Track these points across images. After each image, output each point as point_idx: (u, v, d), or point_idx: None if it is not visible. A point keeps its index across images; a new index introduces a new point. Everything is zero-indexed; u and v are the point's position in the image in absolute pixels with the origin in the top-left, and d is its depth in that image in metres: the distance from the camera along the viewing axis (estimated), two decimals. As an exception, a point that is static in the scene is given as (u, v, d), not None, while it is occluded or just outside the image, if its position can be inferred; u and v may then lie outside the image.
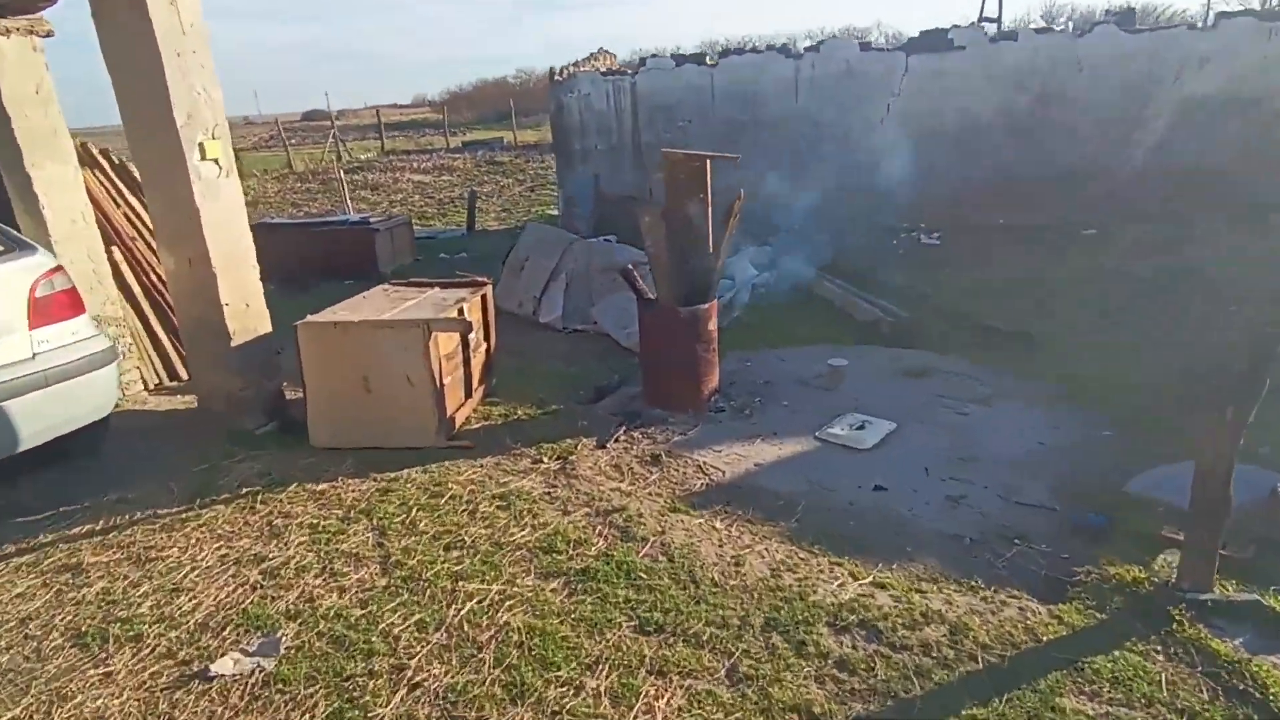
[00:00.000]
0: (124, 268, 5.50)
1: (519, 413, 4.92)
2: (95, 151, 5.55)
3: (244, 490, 3.85)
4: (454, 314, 4.64)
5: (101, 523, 3.57)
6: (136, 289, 5.61)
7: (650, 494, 3.77)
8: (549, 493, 3.75)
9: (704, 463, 4.12)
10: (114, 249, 5.42)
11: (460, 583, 2.94)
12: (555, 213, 14.65)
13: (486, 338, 5.43)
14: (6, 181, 4.82)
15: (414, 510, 3.56)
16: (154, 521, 3.56)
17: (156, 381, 5.68)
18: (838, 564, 3.08)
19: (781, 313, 7.17)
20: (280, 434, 4.66)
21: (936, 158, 9.60)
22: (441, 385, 4.41)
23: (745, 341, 6.15)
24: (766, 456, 4.18)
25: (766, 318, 7.04)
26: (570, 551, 3.15)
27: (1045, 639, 2.56)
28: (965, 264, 8.30)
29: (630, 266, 4.73)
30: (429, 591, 2.89)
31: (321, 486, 3.86)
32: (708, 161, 4.30)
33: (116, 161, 5.75)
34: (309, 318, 4.36)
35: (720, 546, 3.19)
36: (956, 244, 9.11)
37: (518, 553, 3.16)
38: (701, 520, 3.47)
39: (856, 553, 3.19)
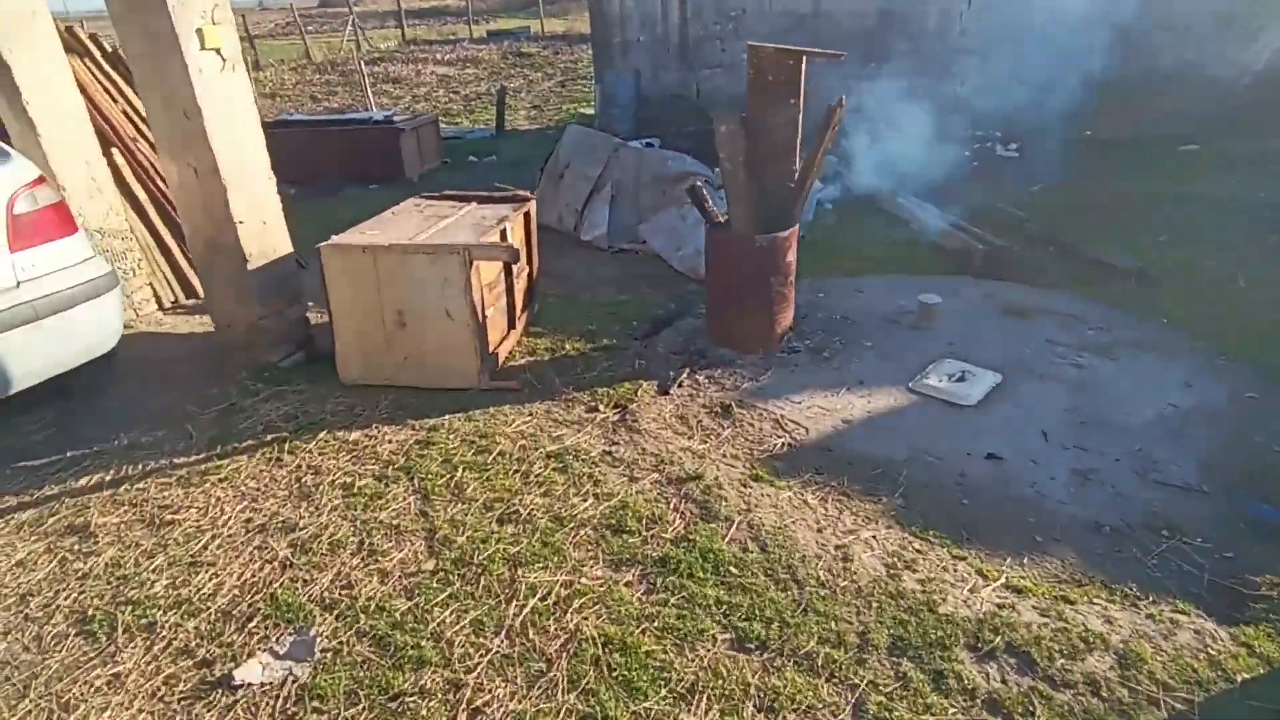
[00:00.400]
0: (126, 173, 4.94)
1: (567, 347, 4.41)
2: (83, 37, 4.87)
3: (269, 436, 3.43)
4: (496, 236, 4.06)
5: (112, 473, 3.18)
6: (142, 196, 5.07)
7: (725, 456, 3.30)
8: (610, 451, 3.28)
9: (782, 416, 3.62)
10: (114, 151, 4.84)
11: (519, 569, 2.52)
12: (590, 112, 13.65)
13: (529, 260, 4.86)
14: (-13, 72, 4.21)
15: (460, 469, 3.12)
16: (169, 473, 3.16)
17: (172, 300, 5.22)
18: (960, 558, 2.61)
19: (851, 233, 6.47)
20: (307, 365, 4.21)
21: (1019, 58, 8.53)
22: (484, 319, 3.90)
23: (814, 267, 5.51)
24: (854, 411, 3.66)
25: (835, 239, 6.35)
26: (643, 532, 2.70)
27: (1238, 677, 2.09)
28: (1050, 181, 7.44)
29: (699, 183, 4.08)
30: (483, 580, 2.47)
31: (354, 435, 3.43)
32: (803, 60, 3.56)
33: (109, 49, 5.07)
34: (334, 239, 3.81)
35: (819, 531, 2.73)
36: (1037, 157, 8.19)
37: (582, 531, 2.72)
38: (790, 493, 3.00)
39: (979, 542, 2.71)
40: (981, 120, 9.17)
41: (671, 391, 3.87)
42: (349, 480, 3.07)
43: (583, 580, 2.46)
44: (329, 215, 8.12)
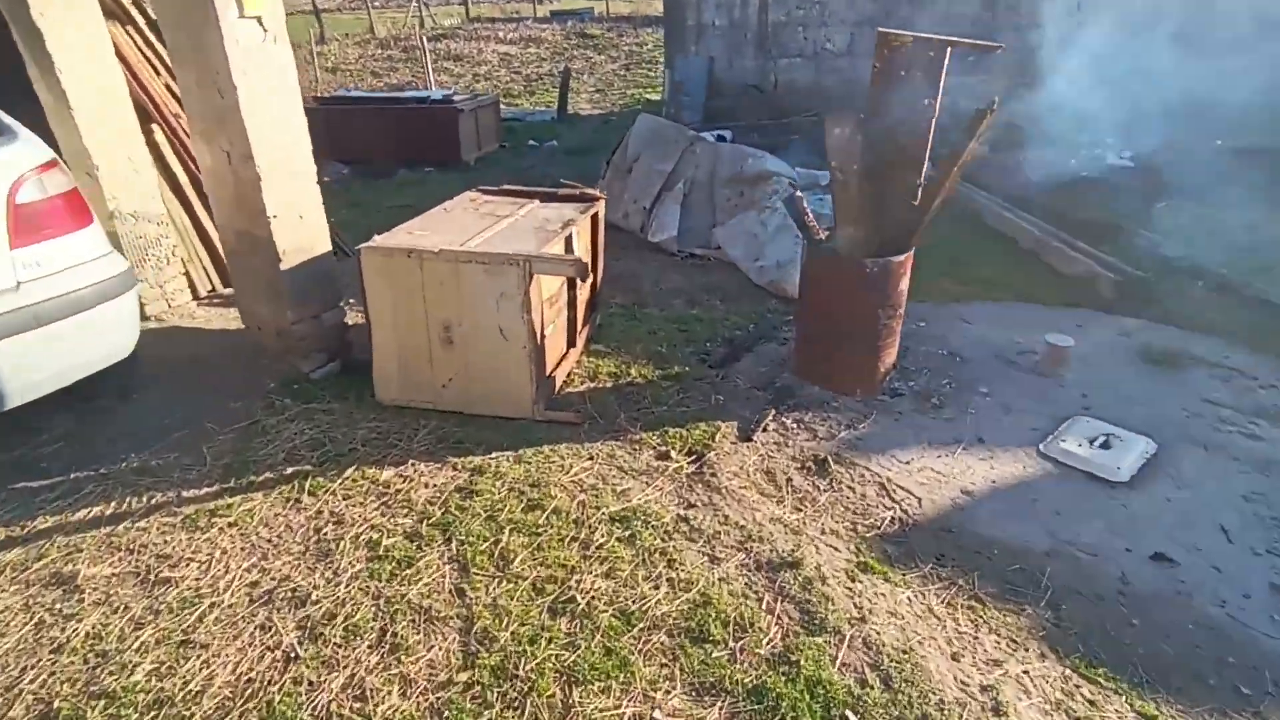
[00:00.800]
0: (166, 151, 4.56)
1: (632, 372, 3.88)
2: (125, 1, 4.49)
3: (289, 470, 2.98)
4: (561, 245, 3.54)
5: (113, 506, 2.77)
6: (183, 177, 4.69)
7: (825, 531, 2.72)
8: (686, 517, 2.74)
9: (888, 479, 3.02)
10: (154, 127, 4.46)
11: (575, 690, 2.00)
12: (656, 99, 13.03)
13: (594, 268, 4.33)
14: (19, 43, 3.84)
15: (506, 531, 2.62)
16: (175, 510, 2.74)
17: (209, 289, 4.85)
18: (1150, 719, 1.99)
19: (946, 248, 5.76)
20: (342, 377, 3.77)
21: (1140, 55, 7.62)
22: (542, 339, 3.39)
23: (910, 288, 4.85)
24: (975, 479, 3.04)
25: (931, 253, 5.65)
26: (731, 643, 2.16)
27: None
28: (1177, 196, 6.58)
29: (797, 194, 3.48)
30: (529, 703, 1.96)
31: (386, 474, 2.95)
32: (948, 51, 2.92)
33: (152, 15, 4.68)
34: (376, 239, 3.33)
35: (955, 660, 2.14)
36: (1157, 168, 7.31)
37: (654, 636, 2.19)
38: (909, 593, 2.41)
39: (1167, 690, 2.10)
40: (1090, 124, 8.29)
41: (755, 438, 3.31)
42: (376, 536, 2.59)
43: (656, 714, 1.93)
44: (379, 198, 7.76)
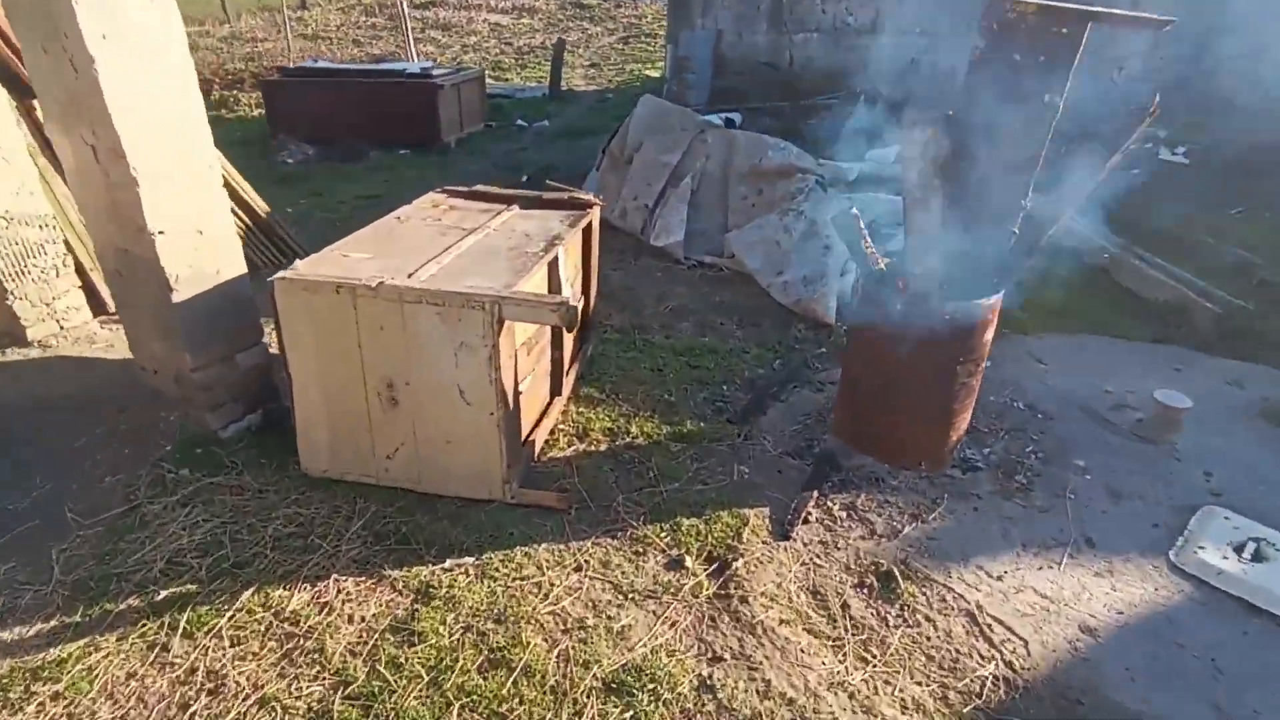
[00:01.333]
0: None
1: (632, 429, 3.07)
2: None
3: (165, 591, 2.17)
4: (542, 273, 2.73)
5: (-98, 650, 1.96)
6: (82, 166, 3.80)
7: (907, 706, 1.94)
8: (710, 681, 1.96)
9: (979, 606, 2.25)
10: (33, 105, 3.58)
11: None
12: (657, 75, 12.09)
13: (586, 287, 3.51)
14: None
15: (455, 710, 1.83)
16: (-12, 663, 1.92)
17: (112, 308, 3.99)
18: None
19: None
20: (263, 434, 2.94)
21: (1199, 35, 6.81)
22: (517, 397, 2.58)
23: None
24: (1096, 608, 2.27)
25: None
26: None
27: None
28: (1250, 200, 5.79)
29: (854, 211, 2.65)
30: None
31: (297, 601, 2.15)
32: (1087, 26, 2.09)
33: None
34: (297, 266, 2.50)
35: None
36: (1217, 166, 6.50)
37: None
38: (1044, 830, 1.64)
39: None
40: (1137, 114, 7.47)
41: (795, 534, 2.52)
42: (267, 715, 1.79)
43: None
44: (344, 186, 6.85)
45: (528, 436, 2.81)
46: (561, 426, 3.08)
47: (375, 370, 2.48)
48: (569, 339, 3.26)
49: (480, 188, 3.53)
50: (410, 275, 2.46)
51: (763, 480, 2.79)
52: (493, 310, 2.29)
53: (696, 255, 4.92)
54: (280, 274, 2.43)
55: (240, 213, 4.58)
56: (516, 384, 2.57)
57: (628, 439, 3.01)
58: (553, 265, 2.87)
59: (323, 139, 8.05)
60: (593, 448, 2.96)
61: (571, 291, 3.21)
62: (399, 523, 2.47)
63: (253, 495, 2.59)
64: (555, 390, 3.15)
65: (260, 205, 4.75)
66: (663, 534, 2.49)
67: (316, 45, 15.44)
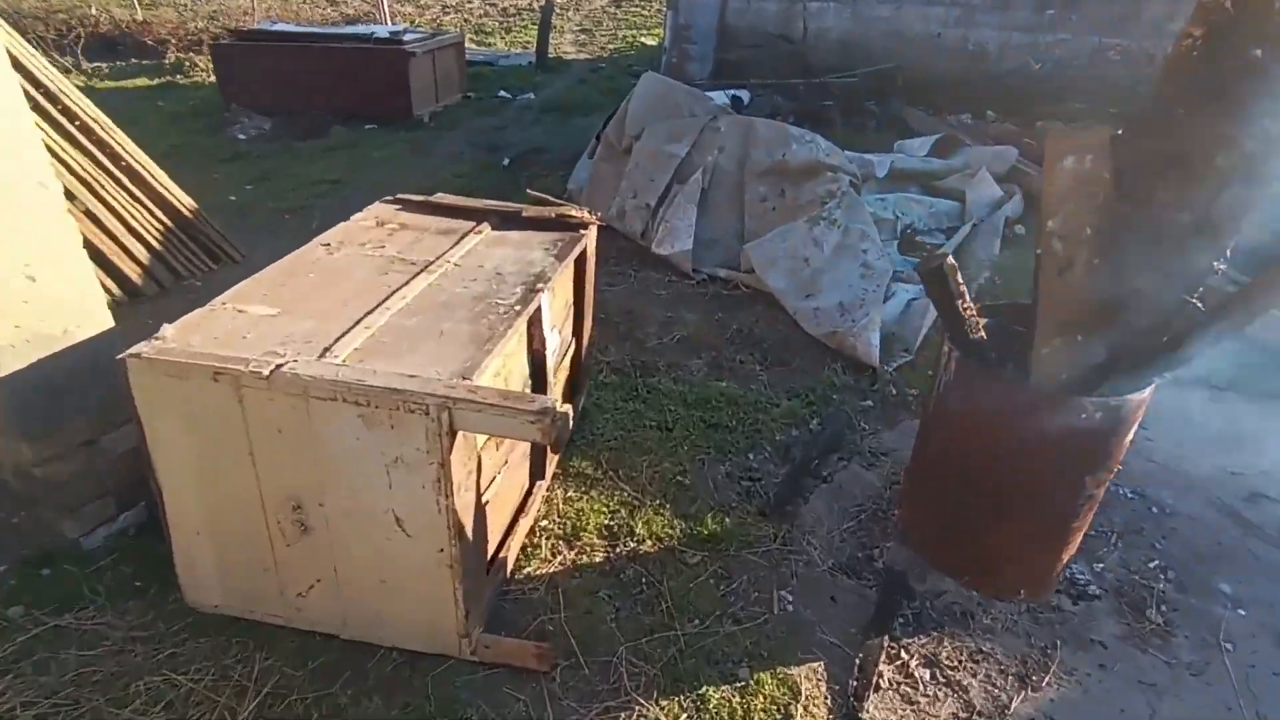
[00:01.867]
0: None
1: (636, 525, 2.35)
2: None
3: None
4: (517, 337, 1.98)
5: None
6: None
7: None
8: None
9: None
10: None
11: None
12: (654, 43, 11.17)
13: (579, 328, 2.76)
14: None
15: None
16: None
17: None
18: None
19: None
20: (142, 541, 2.19)
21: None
22: (480, 520, 1.84)
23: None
24: None
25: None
26: None
27: None
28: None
29: (947, 258, 1.90)
30: None
31: None
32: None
33: None
34: (165, 332, 1.73)
35: None
36: None
37: None
38: None
39: None
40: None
41: (866, 711, 1.82)
42: None
43: None
44: (299, 169, 5.92)
45: (497, 552, 2.09)
46: (545, 523, 2.35)
47: (276, 487, 1.73)
48: (557, 380, 2.52)
49: (443, 198, 2.75)
50: (325, 350, 1.70)
51: (813, 615, 2.09)
52: (440, 417, 1.54)
53: (708, 268, 4.16)
54: (136, 349, 1.67)
55: (155, 210, 3.76)
56: (480, 501, 1.83)
57: (631, 543, 2.29)
58: (534, 321, 2.12)
59: (281, 111, 7.16)
60: (585, 558, 2.24)
61: (559, 343, 2.47)
62: (309, 703, 1.74)
63: (114, 649, 1.85)
64: (537, 473, 2.42)
65: (183, 201, 3.94)
66: (682, 713, 1.79)
67: (287, 4, 14.30)
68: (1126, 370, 1.72)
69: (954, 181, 5.07)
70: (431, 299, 2.01)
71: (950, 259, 1.90)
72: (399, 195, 2.76)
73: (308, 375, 1.58)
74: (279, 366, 1.61)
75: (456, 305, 1.99)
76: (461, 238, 2.43)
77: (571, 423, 1.70)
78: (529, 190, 2.85)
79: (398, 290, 2.02)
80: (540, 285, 2.13)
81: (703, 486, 2.57)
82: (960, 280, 1.93)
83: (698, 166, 4.35)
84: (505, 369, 2.00)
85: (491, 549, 2.04)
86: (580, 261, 2.59)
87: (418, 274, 2.13)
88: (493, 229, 2.55)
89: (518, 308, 1.99)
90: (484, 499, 1.90)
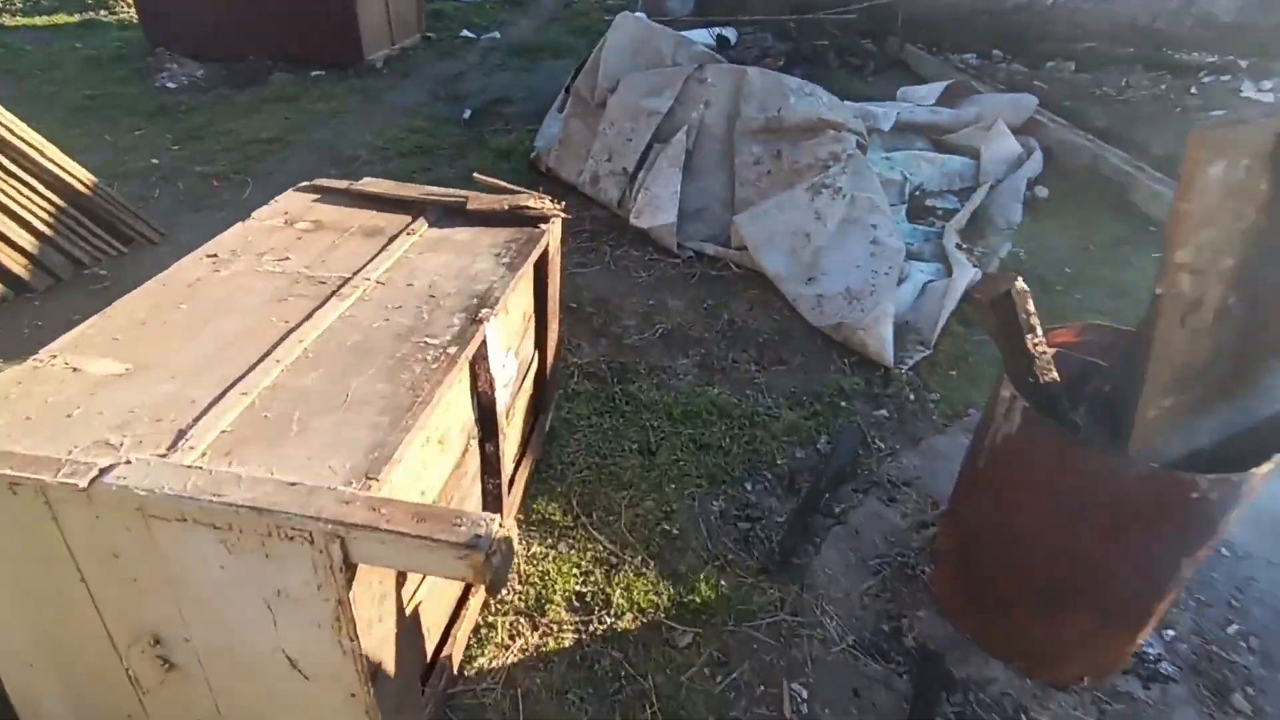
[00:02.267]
0: None
1: (614, 594, 1.94)
2: None
3: None
4: (461, 389, 1.52)
5: None
6: None
7: None
8: None
9: None
10: None
11: None
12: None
13: (542, 339, 2.30)
14: None
15: None
16: None
17: None
18: None
19: (1103, 269, 3.81)
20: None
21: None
22: (404, 637, 1.41)
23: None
24: None
25: (1075, 284, 3.69)
26: None
27: None
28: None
29: (1015, 281, 1.45)
30: None
31: None
32: None
33: None
34: (-45, 413, 1.24)
35: None
36: None
37: None
38: None
39: None
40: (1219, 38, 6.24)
41: None
42: None
43: None
44: (234, 124, 5.14)
45: (438, 652, 1.67)
46: (503, 592, 1.93)
47: (123, 620, 1.28)
48: (515, 432, 2.08)
49: (371, 185, 2.22)
50: (180, 437, 1.23)
51: (832, 716, 1.70)
52: (330, 549, 1.09)
53: (694, 244, 3.66)
54: (-95, 441, 1.18)
55: (42, 190, 3.18)
56: (405, 612, 1.40)
57: (608, 618, 1.89)
58: (479, 357, 1.65)
59: (217, 56, 6.41)
60: (551, 641, 1.83)
61: (516, 368, 2.01)
62: None
63: (-68, 811, 1.42)
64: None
65: (79, 177, 3.35)
66: None
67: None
68: (1257, 448, 1.29)
69: (966, 135, 4.55)
70: (340, 340, 1.53)
71: (1020, 283, 1.45)
72: (317, 181, 2.23)
73: (142, 489, 1.11)
74: (103, 472, 1.14)
75: (373, 349, 1.51)
76: (390, 240, 1.93)
77: (515, 547, 1.26)
78: (476, 175, 2.32)
79: (296, 329, 1.54)
80: (486, 312, 1.65)
81: (693, 533, 2.15)
82: (1031, 308, 1.48)
83: (681, 124, 3.80)
84: (442, 426, 1.54)
85: (431, 650, 1.63)
86: (541, 264, 2.11)
87: (327, 300, 1.65)
88: (430, 225, 2.05)
89: (453, 349, 1.51)
90: (417, 600, 1.47)
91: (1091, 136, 4.60)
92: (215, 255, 1.81)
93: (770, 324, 3.17)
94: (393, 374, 1.43)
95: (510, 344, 1.96)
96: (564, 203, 2.17)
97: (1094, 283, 3.48)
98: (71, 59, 6.63)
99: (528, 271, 1.97)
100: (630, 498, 2.26)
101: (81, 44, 7.06)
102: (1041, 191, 4.14)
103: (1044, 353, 1.50)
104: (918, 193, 4.22)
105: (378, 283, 1.74)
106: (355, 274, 1.76)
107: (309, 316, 1.58)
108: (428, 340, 1.54)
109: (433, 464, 1.52)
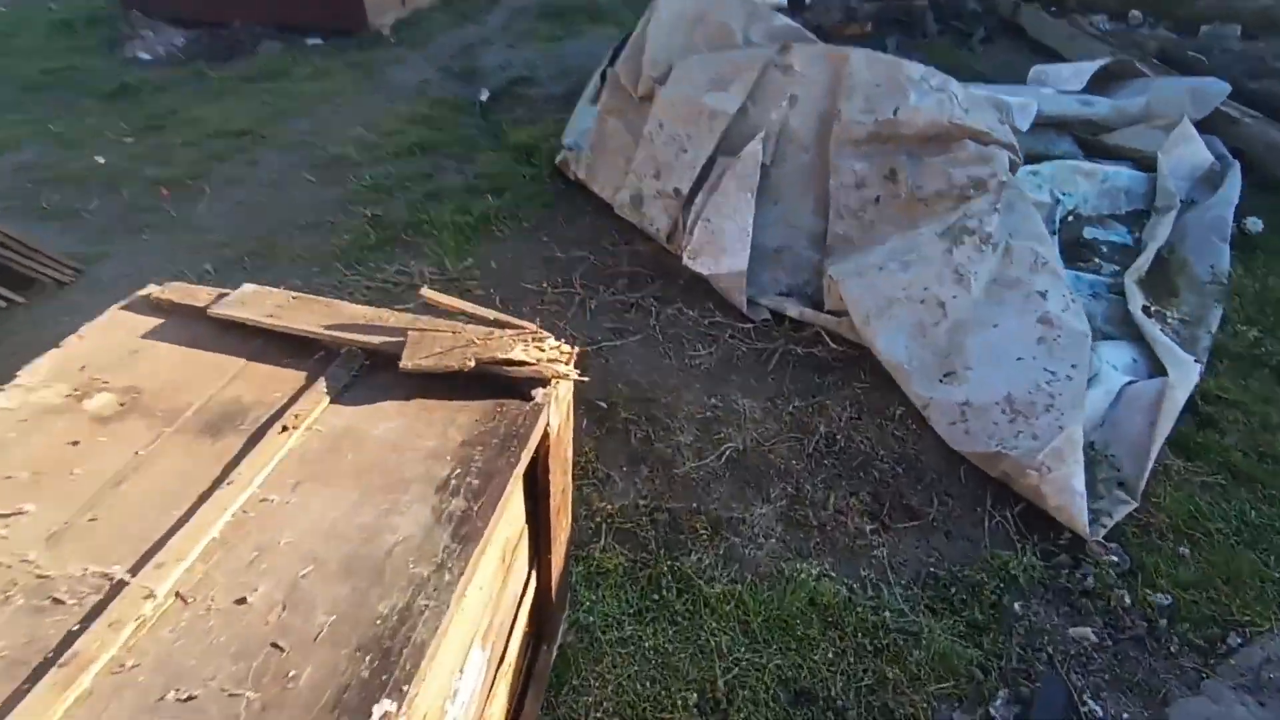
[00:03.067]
0: None
1: None
2: None
3: None
4: None
5: None
6: None
7: None
8: None
9: None
10: None
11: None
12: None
13: (541, 553, 1.35)
14: None
15: None
16: None
17: None
18: None
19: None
20: None
21: None
22: None
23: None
24: None
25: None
26: None
27: None
28: None
29: None
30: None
31: None
32: None
33: None
34: None
35: None
36: None
37: None
38: None
39: None
40: None
41: None
42: None
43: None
44: (205, 109, 4.14)
45: None
46: None
47: None
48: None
49: (252, 299, 1.27)
50: None
51: None
52: None
53: (770, 301, 2.65)
54: None
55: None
56: None
57: None
58: None
59: (201, 22, 5.49)
60: None
61: (491, 649, 1.08)
62: None
63: None
64: None
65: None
66: None
67: None
68: None
69: (1132, 136, 3.40)
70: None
71: None
72: (169, 290, 1.29)
73: None
74: None
75: None
76: (245, 448, 1.00)
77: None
78: (425, 291, 1.33)
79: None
80: (406, 688, 0.71)
81: None
82: None
83: (757, 129, 2.76)
84: None
85: None
86: (544, 452, 1.16)
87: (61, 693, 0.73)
88: (334, 398, 1.11)
89: None
90: None
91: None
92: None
93: (889, 442, 2.18)
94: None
95: (493, 588, 1.04)
96: (577, 348, 1.20)
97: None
98: (40, 22, 5.79)
99: (514, 487, 1.02)
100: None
101: (57, 3, 6.20)
102: (1254, 224, 2.99)
103: None
104: (1071, 218, 3.13)
105: (174, 597, 0.82)
106: (135, 570, 0.84)
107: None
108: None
109: None
